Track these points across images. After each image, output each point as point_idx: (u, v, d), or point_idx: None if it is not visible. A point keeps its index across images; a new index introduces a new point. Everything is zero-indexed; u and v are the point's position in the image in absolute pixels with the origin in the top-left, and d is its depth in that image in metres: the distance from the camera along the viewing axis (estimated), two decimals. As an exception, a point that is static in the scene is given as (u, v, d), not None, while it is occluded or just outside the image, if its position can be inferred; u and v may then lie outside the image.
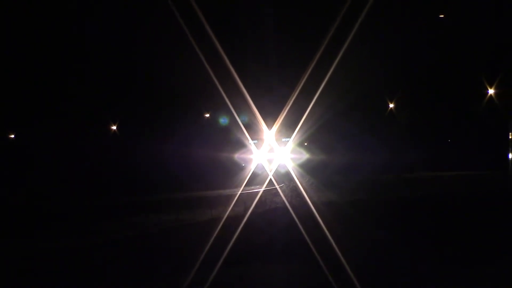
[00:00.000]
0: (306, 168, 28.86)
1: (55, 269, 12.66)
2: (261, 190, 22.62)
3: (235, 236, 11.92)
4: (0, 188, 27.44)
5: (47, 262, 13.55)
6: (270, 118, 19.98)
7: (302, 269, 10.87)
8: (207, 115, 40.50)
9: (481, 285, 9.45)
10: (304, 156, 31.61)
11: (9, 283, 11.45)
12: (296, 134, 24.38)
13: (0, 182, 28.57)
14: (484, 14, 34.05)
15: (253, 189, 24.34)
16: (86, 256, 14.25)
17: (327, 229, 10.74)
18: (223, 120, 35.74)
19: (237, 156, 32.07)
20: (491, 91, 36.59)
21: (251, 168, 27.10)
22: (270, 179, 22.87)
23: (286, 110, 15.09)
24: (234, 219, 16.66)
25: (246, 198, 21.85)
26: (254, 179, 25.55)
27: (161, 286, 9.89)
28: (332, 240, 10.06)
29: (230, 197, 22.02)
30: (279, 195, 22.15)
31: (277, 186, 23.55)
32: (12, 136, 39.73)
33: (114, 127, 41.02)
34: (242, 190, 23.19)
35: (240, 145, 30.45)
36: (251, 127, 20.71)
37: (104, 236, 16.80)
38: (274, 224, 16.98)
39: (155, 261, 12.82)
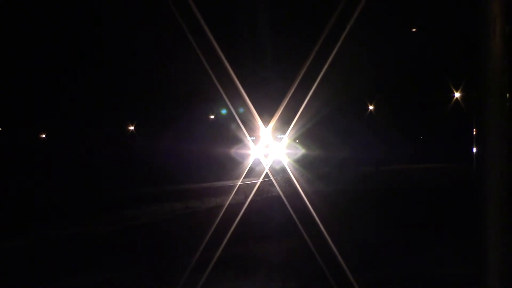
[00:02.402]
0: (298, 161, 29.09)
1: (82, 250, 12.81)
2: (259, 181, 22.63)
3: (237, 219, 12.03)
4: (29, 181, 27.40)
5: (75, 245, 13.69)
6: (266, 115, 19.93)
7: (292, 244, 11.18)
8: (212, 116, 40.43)
9: (450, 260, 9.59)
10: (297, 151, 31.72)
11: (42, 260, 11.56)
12: (289, 132, 24.47)
13: (29, 176, 28.53)
14: (450, 29, 34.26)
15: (251, 181, 24.38)
16: (110, 240, 14.38)
17: (314, 211, 10.84)
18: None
19: (237, 151, 32.08)
20: (457, 95, 37.22)
21: (249, 162, 27.12)
22: (266, 172, 22.88)
23: (281, 110, 15.07)
24: (236, 205, 16.79)
25: (245, 188, 21.96)
26: (252, 172, 25.57)
27: (173, 264, 9.94)
28: (318, 220, 10.15)
29: (232, 187, 22.16)
30: (274, 185, 22.25)
31: (272, 178, 23.58)
32: (43, 135, 39.73)
33: (121, 127, 41.02)
34: (241, 181, 23.28)
35: (239, 141, 30.53)
36: (249, 125, 20.68)
37: (124, 223, 16.89)
38: (270, 209, 17.31)
39: (168, 243, 13.01)
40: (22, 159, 32.39)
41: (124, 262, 10.82)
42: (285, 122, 22.05)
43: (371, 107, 41.55)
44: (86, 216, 18.42)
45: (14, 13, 33.27)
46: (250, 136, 26.73)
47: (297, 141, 32.98)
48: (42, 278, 9.72)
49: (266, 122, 20.50)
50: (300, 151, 31.99)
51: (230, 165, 29.79)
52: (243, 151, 30.48)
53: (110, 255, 11.98)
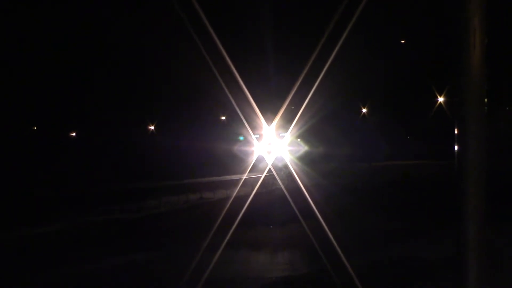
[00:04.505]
0: (299, 158, 29.06)
1: (112, 234, 12.93)
2: (263, 175, 22.60)
3: (244, 208, 12.08)
4: (62, 174, 27.50)
5: (106, 230, 13.83)
6: (269, 114, 19.81)
7: (293, 230, 11.23)
8: (223, 118, 40.42)
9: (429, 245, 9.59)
10: (298, 148, 31.67)
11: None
12: (290, 131, 24.45)
13: (63, 170, 28.62)
14: (435, 41, 34.17)
15: (257, 175, 24.34)
16: (135, 225, 14.51)
17: (312, 202, 10.86)
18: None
19: (243, 149, 32.01)
20: (441, 99, 37.25)
21: (253, 159, 27.06)
22: (270, 168, 22.82)
23: (283, 109, 15.02)
24: (244, 196, 16.81)
25: (252, 182, 21.95)
26: (257, 167, 25.52)
27: (190, 246, 9.96)
28: (315, 209, 10.17)
29: (239, 180, 22.14)
30: (277, 179, 22.21)
31: (274, 173, 23.58)
32: (74, 134, 39.93)
33: (142, 127, 41.02)
34: (248, 176, 23.27)
35: (245, 140, 30.51)
36: (253, 125, 20.57)
37: (147, 211, 17.00)
38: (274, 200, 17.35)
39: (185, 228, 13.11)
40: (56, 155, 32.57)
41: (148, 244, 10.94)
42: (287, 121, 22.00)
43: (364, 110, 41.61)
44: (114, 205, 18.45)
45: (43, 21, 33.12)
46: (254, 134, 26.69)
47: (299, 139, 32.97)
48: (79, 258, 9.78)
49: (269, 120, 20.40)
50: (301, 148, 31.94)
51: (238, 161, 29.78)
52: (248, 148, 30.47)
53: (136, 238, 12.14)
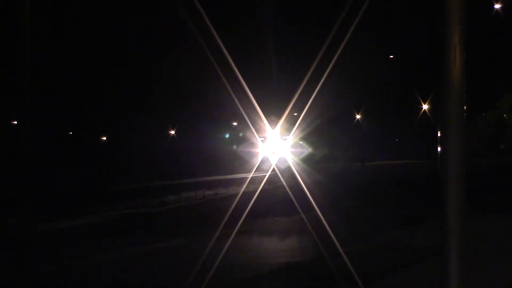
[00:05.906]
0: (301, 158, 29.08)
1: (139, 226, 13.03)
2: (268, 174, 22.59)
3: (252, 201, 12.12)
4: (94, 174, 27.66)
5: (133, 222, 13.93)
6: (273, 117, 19.75)
7: (296, 222, 11.24)
8: (235, 123, 40.54)
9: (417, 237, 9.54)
10: (299, 149, 31.68)
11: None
12: (293, 134, 24.48)
13: (94, 171, 28.82)
14: (421, 55, 34.08)
15: (262, 174, 24.31)
16: (158, 218, 14.63)
17: (312, 197, 10.83)
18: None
19: (250, 150, 32.03)
20: (425, 107, 37.15)
21: (259, 159, 26.99)
22: (274, 167, 22.78)
23: (285, 115, 15.01)
24: (253, 192, 16.83)
25: (259, 179, 21.95)
26: (263, 166, 25.51)
27: (207, 234, 9.94)
28: (314, 203, 10.16)
29: (248, 178, 22.17)
30: (281, 178, 22.19)
31: (278, 173, 23.49)
32: (104, 138, 40.25)
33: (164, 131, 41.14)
34: (255, 174, 23.28)
35: (251, 142, 30.59)
36: (259, 129, 20.55)
37: (168, 206, 17.10)
38: (277, 195, 17.42)
39: (201, 219, 13.19)
40: (89, 157, 32.87)
41: (168, 234, 11.00)
42: (290, 124, 21.99)
43: (358, 116, 41.68)
44: (138, 200, 18.50)
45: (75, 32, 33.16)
46: (259, 137, 26.63)
47: (301, 142, 32.93)
48: (108, 248, 9.82)
49: (273, 124, 20.36)
50: (302, 149, 31.94)
51: (245, 161, 29.80)
52: (255, 149, 30.47)
53: (158, 229, 12.23)
